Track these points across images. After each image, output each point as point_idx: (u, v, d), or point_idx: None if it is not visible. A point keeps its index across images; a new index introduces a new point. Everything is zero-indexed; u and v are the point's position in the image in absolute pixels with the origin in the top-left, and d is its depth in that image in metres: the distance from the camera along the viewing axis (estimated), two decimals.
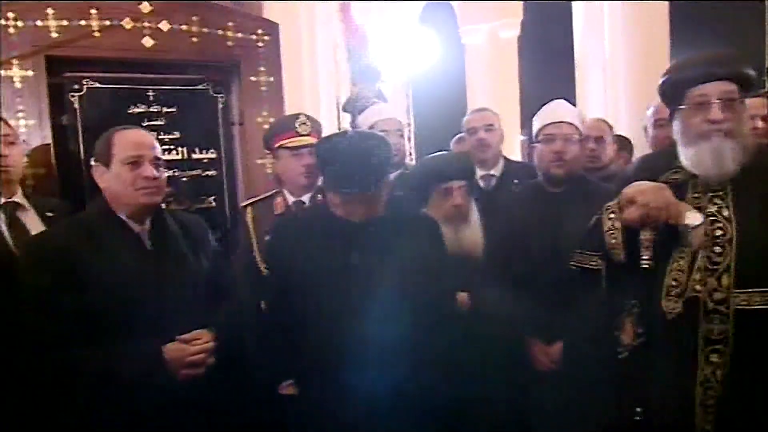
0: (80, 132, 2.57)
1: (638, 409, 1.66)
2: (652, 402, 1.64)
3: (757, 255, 1.51)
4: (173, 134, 2.77)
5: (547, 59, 7.80)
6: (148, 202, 1.71)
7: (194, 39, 2.76)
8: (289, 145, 2.29)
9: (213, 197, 2.89)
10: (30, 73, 2.44)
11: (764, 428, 1.53)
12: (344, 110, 4.06)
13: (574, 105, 2.59)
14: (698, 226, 1.55)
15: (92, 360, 1.61)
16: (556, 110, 2.34)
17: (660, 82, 1.71)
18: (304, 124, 2.31)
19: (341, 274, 1.65)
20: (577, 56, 5.76)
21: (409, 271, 1.66)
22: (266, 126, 2.78)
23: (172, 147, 2.75)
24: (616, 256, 1.65)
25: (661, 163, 1.72)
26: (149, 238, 1.75)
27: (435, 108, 6.82)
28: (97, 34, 2.54)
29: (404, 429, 1.64)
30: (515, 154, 6.49)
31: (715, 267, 1.54)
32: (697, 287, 1.55)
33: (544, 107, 2.38)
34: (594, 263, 1.73)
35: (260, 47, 2.96)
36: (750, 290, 1.51)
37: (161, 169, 1.75)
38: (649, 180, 1.63)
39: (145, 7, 2.64)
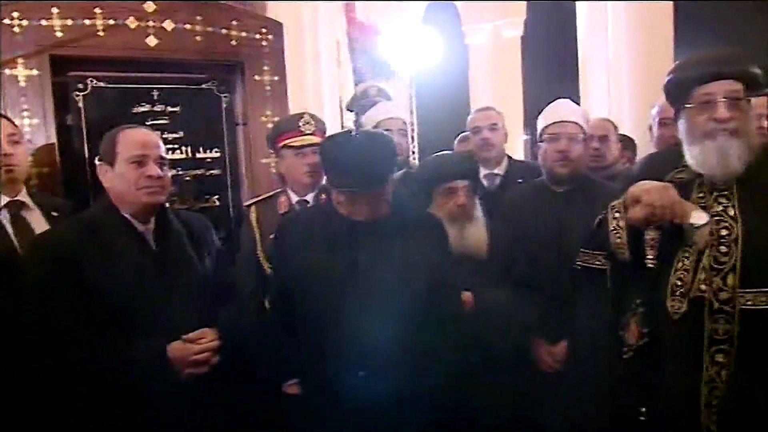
0: (85, 131, 2.57)
1: (642, 409, 1.65)
2: (657, 402, 1.64)
3: (763, 255, 1.51)
4: (177, 133, 2.76)
5: (551, 59, 7.81)
6: (153, 201, 1.72)
7: (198, 38, 2.76)
8: (293, 144, 2.30)
9: (217, 196, 2.88)
10: (34, 72, 2.44)
11: None
12: (348, 109, 4.06)
13: (578, 104, 2.59)
14: (703, 225, 1.55)
15: (96, 359, 1.61)
16: (560, 109, 2.34)
17: (666, 80, 1.70)
18: (308, 123, 2.32)
19: (345, 273, 1.65)
20: (580, 56, 5.74)
21: (413, 270, 1.66)
22: (270, 125, 2.78)
23: (176, 146, 2.76)
24: (621, 256, 1.65)
25: (666, 163, 1.71)
26: (153, 237, 1.75)
27: (438, 107, 6.82)
28: (101, 33, 2.54)
29: (409, 429, 1.64)
30: (518, 154, 6.49)
31: (720, 267, 1.54)
32: (703, 287, 1.54)
33: (548, 106, 2.37)
34: (599, 263, 1.73)
35: (264, 46, 2.96)
36: (755, 290, 1.50)
37: (165, 168, 1.75)
38: (654, 179, 1.62)
39: (150, 6, 2.64)
